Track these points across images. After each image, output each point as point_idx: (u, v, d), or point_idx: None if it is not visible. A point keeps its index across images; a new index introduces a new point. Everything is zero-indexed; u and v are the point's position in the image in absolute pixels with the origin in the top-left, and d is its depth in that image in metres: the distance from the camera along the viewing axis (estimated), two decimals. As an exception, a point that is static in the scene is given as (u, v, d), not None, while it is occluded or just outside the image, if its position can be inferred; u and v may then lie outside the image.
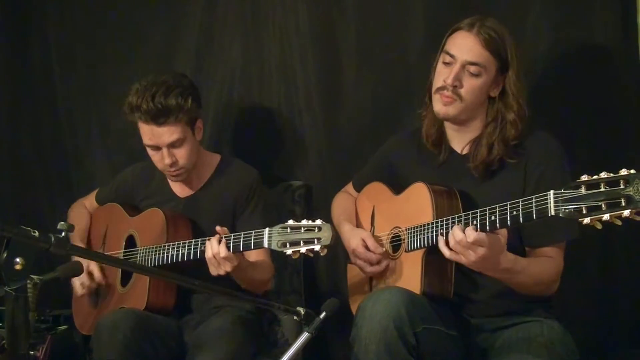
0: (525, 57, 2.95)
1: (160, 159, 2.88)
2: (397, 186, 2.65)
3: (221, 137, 3.47)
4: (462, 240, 2.21)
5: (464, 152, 2.55)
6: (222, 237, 2.63)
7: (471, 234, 2.19)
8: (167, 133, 2.82)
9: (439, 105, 2.48)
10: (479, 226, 2.23)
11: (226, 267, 2.63)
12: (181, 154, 2.86)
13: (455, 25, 2.50)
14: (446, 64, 2.47)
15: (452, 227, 2.29)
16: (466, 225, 2.24)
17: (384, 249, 2.57)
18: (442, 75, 2.46)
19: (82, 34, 3.78)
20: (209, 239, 2.66)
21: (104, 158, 3.73)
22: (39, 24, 3.85)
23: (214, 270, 2.65)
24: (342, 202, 2.87)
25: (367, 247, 2.58)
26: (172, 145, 2.84)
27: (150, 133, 2.84)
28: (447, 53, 2.46)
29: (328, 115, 3.35)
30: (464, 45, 2.44)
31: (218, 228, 2.66)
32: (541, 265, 2.39)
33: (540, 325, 2.42)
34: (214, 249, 2.62)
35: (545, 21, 2.97)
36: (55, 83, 3.83)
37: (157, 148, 2.86)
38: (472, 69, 2.43)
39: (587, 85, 2.92)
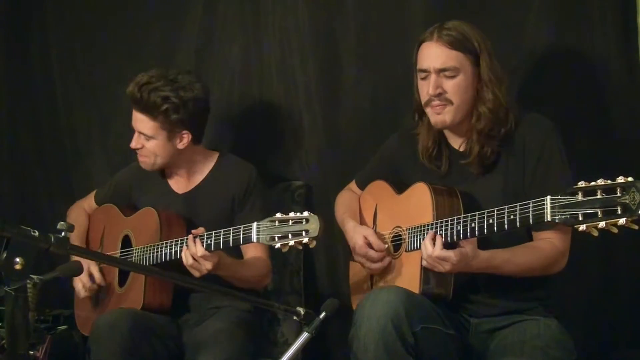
0: (524, 57, 2.97)
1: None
2: (400, 185, 2.65)
3: (221, 137, 3.46)
4: (430, 255, 2.32)
5: (462, 149, 2.56)
6: (196, 237, 2.66)
7: (436, 250, 2.31)
8: (140, 121, 2.92)
9: (434, 117, 2.51)
10: (477, 229, 2.27)
11: (206, 266, 2.64)
12: (147, 145, 2.94)
13: (419, 38, 2.53)
14: (423, 79, 2.51)
15: (452, 228, 2.33)
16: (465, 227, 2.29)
17: (387, 246, 2.57)
18: (424, 90, 2.50)
19: (82, 34, 3.78)
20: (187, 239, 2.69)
21: (104, 158, 3.73)
22: (39, 24, 3.85)
23: (196, 272, 2.66)
24: (345, 200, 2.87)
25: (369, 244, 2.58)
26: (141, 134, 2.93)
27: (133, 114, 2.95)
28: (420, 70, 2.51)
29: (328, 115, 3.35)
30: (430, 55, 2.48)
31: (193, 230, 2.70)
32: (532, 252, 2.41)
33: (537, 325, 2.43)
34: (191, 249, 2.64)
35: (545, 21, 2.97)
36: (55, 83, 3.83)
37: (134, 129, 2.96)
38: (447, 73, 2.46)
39: (587, 86, 2.92)
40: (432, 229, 2.40)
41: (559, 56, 2.95)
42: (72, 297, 3.16)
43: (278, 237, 2.48)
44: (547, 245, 2.41)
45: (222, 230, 2.64)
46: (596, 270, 2.92)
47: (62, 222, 1.93)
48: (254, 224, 2.54)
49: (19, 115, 3.91)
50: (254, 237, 2.54)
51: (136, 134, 2.95)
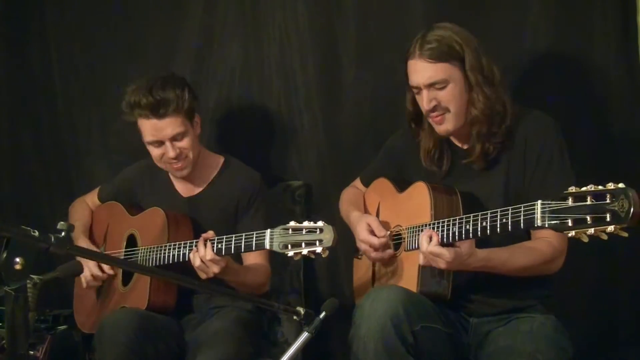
0: (524, 57, 2.98)
1: (160, 155, 2.88)
2: (402, 182, 2.66)
3: (221, 137, 3.47)
4: (425, 251, 2.31)
5: (465, 146, 2.57)
6: (207, 241, 2.65)
7: (430, 245, 2.30)
8: (169, 126, 2.83)
9: (437, 127, 2.53)
10: (471, 231, 2.27)
11: (214, 269, 2.64)
12: (185, 145, 2.87)
13: (405, 54, 2.54)
14: (417, 94, 2.53)
15: (448, 229, 2.33)
16: (452, 227, 2.32)
17: (388, 232, 2.57)
18: (421, 103, 2.52)
19: (82, 34, 3.78)
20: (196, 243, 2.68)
21: (104, 158, 3.73)
22: (39, 24, 3.85)
23: (202, 275, 2.66)
24: (350, 195, 2.88)
25: (371, 232, 2.58)
26: (174, 139, 2.85)
27: (152, 128, 2.85)
28: (412, 86, 2.52)
29: (328, 115, 3.35)
30: (416, 73, 2.49)
31: (204, 234, 2.68)
32: (530, 251, 2.41)
33: (530, 323, 2.43)
34: (201, 252, 2.64)
35: (545, 21, 2.97)
36: (55, 83, 3.83)
37: (159, 143, 2.87)
38: (437, 86, 2.47)
39: (587, 86, 2.92)
40: (431, 229, 2.39)
41: (559, 56, 2.95)
42: (72, 297, 3.17)
43: (291, 245, 2.47)
44: (545, 244, 2.41)
45: (233, 235, 2.64)
46: (596, 269, 2.92)
47: (62, 222, 1.93)
48: (267, 231, 2.53)
49: (19, 115, 3.91)
50: (267, 244, 2.52)
51: (167, 144, 2.85)
